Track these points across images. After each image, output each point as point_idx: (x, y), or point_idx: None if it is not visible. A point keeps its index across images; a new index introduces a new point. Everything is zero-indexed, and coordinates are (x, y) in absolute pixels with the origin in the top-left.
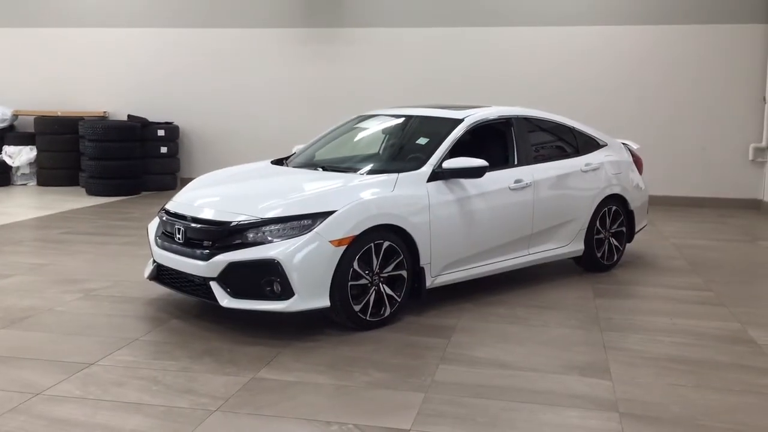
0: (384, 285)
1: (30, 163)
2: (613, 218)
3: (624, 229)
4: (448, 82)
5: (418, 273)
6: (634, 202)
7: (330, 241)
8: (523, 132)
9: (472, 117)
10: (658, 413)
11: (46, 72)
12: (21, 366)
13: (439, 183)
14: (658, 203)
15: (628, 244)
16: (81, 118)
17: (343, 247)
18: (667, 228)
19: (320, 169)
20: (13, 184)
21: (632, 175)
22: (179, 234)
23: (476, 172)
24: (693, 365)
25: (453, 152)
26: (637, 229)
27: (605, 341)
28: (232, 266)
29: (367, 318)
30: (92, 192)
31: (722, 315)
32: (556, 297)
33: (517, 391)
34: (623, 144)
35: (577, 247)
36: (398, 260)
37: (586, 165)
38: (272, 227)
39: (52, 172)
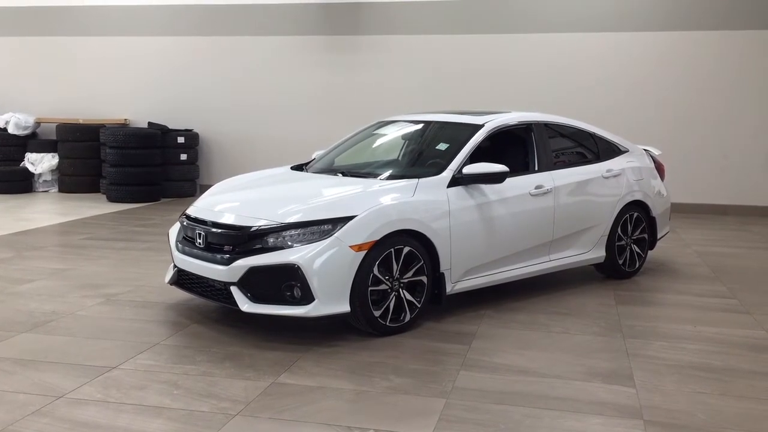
0: (404, 290)
1: (52, 170)
2: (635, 225)
3: (646, 235)
4: (465, 88)
5: (438, 279)
6: (656, 209)
7: (350, 246)
8: (544, 138)
9: (492, 122)
10: (684, 421)
11: (68, 80)
12: (43, 369)
13: (459, 188)
14: (680, 210)
15: (650, 251)
16: (102, 126)
17: (363, 253)
18: (689, 235)
19: (340, 175)
20: (35, 191)
21: (654, 181)
22: (200, 239)
23: (497, 178)
24: (718, 373)
25: (473, 158)
26: (659, 236)
27: (628, 348)
28: (253, 271)
29: (387, 323)
30: (113, 198)
31: (747, 323)
32: (578, 304)
33: (540, 397)
34: (645, 150)
35: (599, 253)
36: (418, 266)
37: (608, 171)
38: (292, 232)
39: (74, 179)
